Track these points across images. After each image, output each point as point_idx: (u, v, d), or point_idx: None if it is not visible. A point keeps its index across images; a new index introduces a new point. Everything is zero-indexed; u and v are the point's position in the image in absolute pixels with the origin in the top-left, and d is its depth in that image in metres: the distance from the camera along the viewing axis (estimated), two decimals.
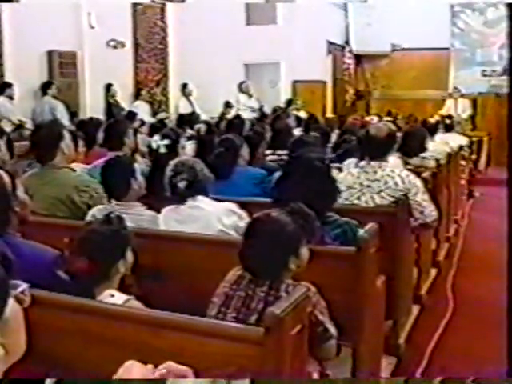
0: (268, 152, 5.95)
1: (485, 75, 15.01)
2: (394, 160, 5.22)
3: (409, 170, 4.92)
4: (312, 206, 3.02)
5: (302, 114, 11.77)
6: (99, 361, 2.28)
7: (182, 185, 3.70)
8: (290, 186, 3.53)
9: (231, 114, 12.29)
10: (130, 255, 2.79)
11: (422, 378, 3.92)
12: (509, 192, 3.53)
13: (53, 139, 4.15)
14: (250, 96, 13.36)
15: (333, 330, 2.71)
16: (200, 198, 3.72)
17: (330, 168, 3.85)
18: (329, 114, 14.13)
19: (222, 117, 11.93)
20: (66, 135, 4.23)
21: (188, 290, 3.20)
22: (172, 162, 3.86)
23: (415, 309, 5.00)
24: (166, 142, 4.97)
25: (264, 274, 2.61)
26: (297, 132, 7.17)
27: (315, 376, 2.74)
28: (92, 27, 11.38)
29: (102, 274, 2.65)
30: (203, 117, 11.19)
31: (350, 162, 5.20)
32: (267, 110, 12.86)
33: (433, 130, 8.71)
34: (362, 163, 4.47)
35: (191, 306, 2.54)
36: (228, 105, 12.77)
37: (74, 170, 4.31)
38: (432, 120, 10.59)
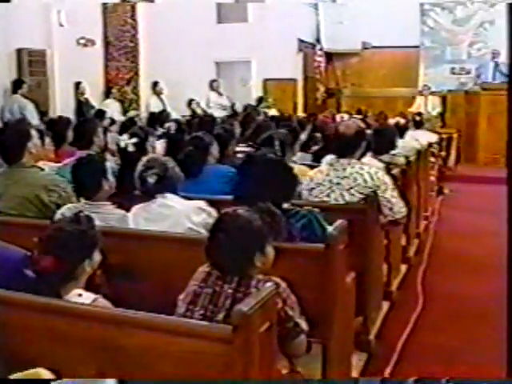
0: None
1: (454, 73, 15.17)
2: (369, 159, 5.24)
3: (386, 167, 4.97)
4: (272, 198, 3.07)
5: (273, 112, 11.81)
6: (66, 360, 2.27)
7: (151, 179, 3.69)
8: (246, 182, 3.57)
9: (198, 110, 12.31)
10: (96, 255, 2.76)
11: (396, 379, 3.94)
12: (508, 191, 3.55)
13: (20, 139, 4.10)
14: (221, 94, 13.36)
15: (303, 324, 2.72)
16: (169, 195, 3.72)
17: (284, 161, 3.93)
18: (300, 112, 14.17)
19: (193, 115, 11.91)
20: (34, 134, 4.19)
21: (158, 288, 3.19)
22: (144, 158, 3.86)
23: (385, 305, 5.03)
24: (133, 140, 4.95)
25: (230, 270, 2.61)
26: None
27: (285, 373, 2.75)
28: (62, 25, 11.26)
29: (68, 272, 2.61)
30: (174, 115, 11.15)
31: (328, 159, 5.21)
32: (238, 108, 12.87)
33: (402, 130, 8.78)
34: (332, 160, 4.49)
35: (162, 304, 2.54)
36: (190, 103, 12.75)
37: (42, 169, 4.27)
38: (402, 121, 10.66)
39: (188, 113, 12.47)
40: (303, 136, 6.60)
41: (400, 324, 4.76)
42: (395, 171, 5.24)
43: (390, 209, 4.35)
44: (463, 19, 15.21)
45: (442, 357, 4.23)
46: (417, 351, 4.35)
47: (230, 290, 2.57)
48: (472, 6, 15.07)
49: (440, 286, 5.69)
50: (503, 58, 13.45)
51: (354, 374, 3.80)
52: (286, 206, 3.47)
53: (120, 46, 13.07)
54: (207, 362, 2.10)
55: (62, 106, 11.16)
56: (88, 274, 2.73)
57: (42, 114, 10.16)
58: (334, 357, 3.26)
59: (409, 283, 5.74)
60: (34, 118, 9.35)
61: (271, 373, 2.26)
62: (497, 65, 13.47)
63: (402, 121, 10.71)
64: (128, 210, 3.81)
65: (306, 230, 3.43)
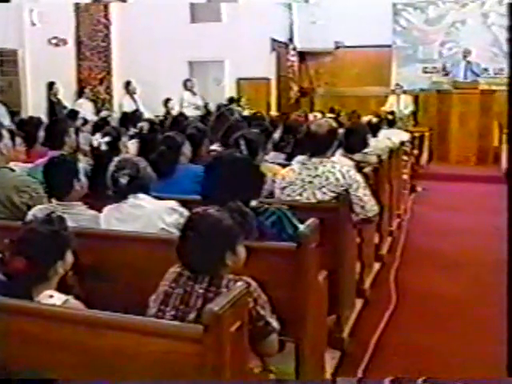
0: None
1: (426, 72, 15.30)
2: (338, 158, 5.26)
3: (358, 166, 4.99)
4: (239, 196, 3.11)
5: (247, 112, 11.80)
6: (38, 362, 2.26)
7: (123, 180, 3.67)
8: (213, 181, 3.58)
9: (174, 109, 12.25)
10: (69, 256, 2.75)
11: (372, 379, 3.96)
12: (509, 189, 3.58)
13: None
14: (195, 94, 13.32)
15: (275, 323, 2.72)
16: (141, 196, 3.70)
17: (249, 160, 3.98)
18: (273, 112, 14.19)
19: (166, 115, 11.87)
20: (5, 135, 4.16)
21: (130, 289, 3.18)
22: (116, 159, 3.85)
23: (359, 302, 5.04)
24: (106, 139, 4.93)
25: (201, 269, 2.61)
26: None
27: (257, 372, 2.75)
28: (33, 24, 11.19)
29: (40, 274, 2.60)
30: (147, 115, 11.11)
31: (300, 158, 5.22)
32: (212, 107, 12.85)
33: (375, 129, 8.80)
34: (304, 159, 4.51)
35: (133, 305, 2.54)
36: (166, 103, 12.70)
37: (13, 170, 4.24)
38: (374, 119, 10.70)
39: (162, 112, 12.42)
40: (276, 135, 6.61)
41: (373, 322, 4.78)
42: (367, 170, 5.26)
43: (362, 207, 4.37)
44: (435, 19, 15.35)
45: (415, 355, 4.26)
46: (390, 349, 4.38)
47: (201, 290, 2.57)
48: (444, 5, 15.22)
49: (413, 283, 5.73)
50: (474, 57, 13.62)
51: (328, 371, 3.82)
52: (254, 203, 3.48)
53: (92, 46, 13.03)
54: (179, 361, 2.10)
55: (34, 106, 11.09)
56: (60, 275, 2.71)
57: (14, 114, 10.08)
58: (307, 355, 3.27)
59: (382, 281, 5.77)
60: (5, 120, 9.26)
61: (243, 372, 2.27)
62: (468, 63, 13.59)
63: (375, 119, 10.74)
64: (100, 210, 3.80)
65: (275, 226, 3.44)
